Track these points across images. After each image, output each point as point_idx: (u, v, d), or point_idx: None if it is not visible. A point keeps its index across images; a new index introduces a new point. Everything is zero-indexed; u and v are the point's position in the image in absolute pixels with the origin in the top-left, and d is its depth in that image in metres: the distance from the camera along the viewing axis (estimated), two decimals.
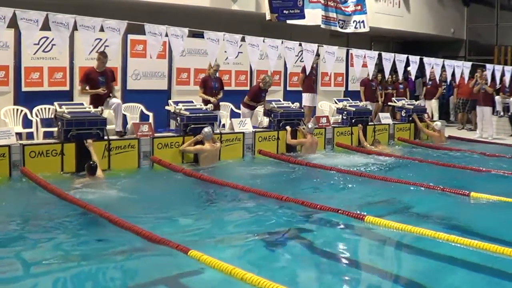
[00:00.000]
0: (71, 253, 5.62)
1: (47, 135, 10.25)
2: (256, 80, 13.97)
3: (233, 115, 12.83)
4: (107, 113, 10.14)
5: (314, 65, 13.86)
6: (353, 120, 13.15)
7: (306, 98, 13.87)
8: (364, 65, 13.58)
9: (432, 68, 14.52)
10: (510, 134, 16.44)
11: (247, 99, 12.15)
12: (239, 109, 12.55)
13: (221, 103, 12.40)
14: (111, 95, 10.38)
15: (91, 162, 8.69)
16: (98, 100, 9.99)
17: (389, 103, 15.63)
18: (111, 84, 10.55)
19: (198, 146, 10.10)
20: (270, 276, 4.70)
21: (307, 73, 13.70)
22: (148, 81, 12.34)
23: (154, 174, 9.59)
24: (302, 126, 11.93)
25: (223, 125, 12.36)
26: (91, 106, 9.78)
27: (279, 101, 12.82)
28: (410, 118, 14.46)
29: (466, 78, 16.90)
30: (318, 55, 13.61)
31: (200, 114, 10.55)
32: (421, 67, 14.73)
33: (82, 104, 9.93)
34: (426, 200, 8.16)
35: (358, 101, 13.88)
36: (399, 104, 14.87)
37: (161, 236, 5.71)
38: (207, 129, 10.16)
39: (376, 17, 17.35)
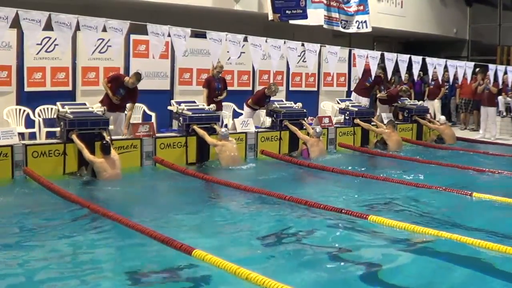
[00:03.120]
0: (73, 252, 5.62)
1: (49, 135, 10.26)
2: (259, 80, 14.01)
3: (236, 115, 12.83)
4: (111, 120, 10.08)
5: (373, 73, 13.94)
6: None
7: (352, 97, 14.32)
8: (367, 65, 13.59)
9: (435, 68, 14.50)
10: None
11: (250, 102, 12.14)
12: (242, 109, 12.54)
13: (223, 103, 12.42)
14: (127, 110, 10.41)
15: (104, 142, 8.75)
16: (109, 105, 9.94)
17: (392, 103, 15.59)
18: (131, 105, 10.39)
19: (215, 140, 10.09)
20: (274, 276, 4.69)
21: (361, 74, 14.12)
22: (150, 81, 12.33)
23: (156, 174, 9.59)
24: (311, 127, 11.84)
25: (226, 125, 12.36)
26: (93, 106, 9.77)
27: (282, 101, 12.81)
28: (413, 119, 14.45)
29: (469, 78, 16.86)
30: (382, 69, 13.98)
31: (203, 114, 10.55)
32: (424, 68, 14.73)
33: (84, 104, 9.93)
34: (428, 200, 8.14)
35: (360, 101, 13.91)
36: (402, 104, 14.85)
37: (165, 235, 5.70)
38: (224, 129, 10.23)
39: (378, 17, 17.35)
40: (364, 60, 13.34)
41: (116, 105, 10.07)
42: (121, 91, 10.06)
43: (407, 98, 15.49)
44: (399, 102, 14.94)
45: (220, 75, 11.78)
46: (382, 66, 14.04)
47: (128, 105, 10.36)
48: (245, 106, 12.27)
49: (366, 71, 13.88)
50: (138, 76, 10.09)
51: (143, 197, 8.15)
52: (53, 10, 8.74)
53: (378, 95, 14.88)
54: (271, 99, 12.16)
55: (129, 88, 10.09)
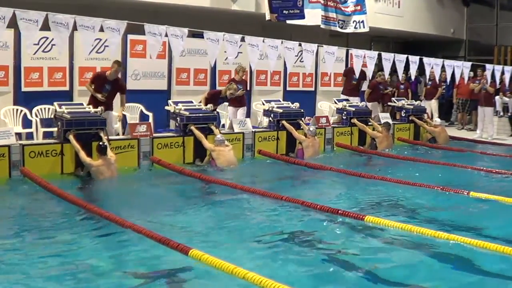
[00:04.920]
0: (70, 252, 5.61)
1: (46, 135, 10.25)
2: (256, 80, 14.05)
3: None
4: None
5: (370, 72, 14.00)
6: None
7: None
8: (364, 65, 13.60)
9: (432, 68, 14.53)
10: (510, 134, 16.45)
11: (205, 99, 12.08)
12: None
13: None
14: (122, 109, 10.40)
15: (101, 143, 8.75)
16: (96, 104, 9.93)
17: (389, 103, 15.63)
18: (122, 96, 10.28)
19: (212, 145, 10.04)
20: (271, 275, 4.70)
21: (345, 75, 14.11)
22: (148, 81, 12.34)
23: (153, 174, 9.58)
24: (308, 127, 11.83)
25: (223, 125, 12.36)
26: (90, 106, 9.77)
27: (279, 101, 12.81)
28: (410, 119, 14.46)
29: (466, 78, 16.92)
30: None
31: (200, 114, 10.54)
32: (421, 68, 14.76)
33: (81, 104, 9.92)
34: (426, 200, 8.14)
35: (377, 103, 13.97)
36: (399, 104, 14.87)
37: (162, 235, 5.70)
38: (219, 136, 10.17)
39: (375, 17, 17.35)
40: (362, 60, 13.35)
41: (102, 103, 10.00)
42: (107, 86, 10.06)
43: (398, 98, 15.59)
44: (395, 101, 14.97)
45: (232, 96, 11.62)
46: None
47: (119, 96, 10.29)
48: (228, 107, 12.38)
49: (350, 71, 13.90)
50: (118, 63, 10.05)
51: (140, 197, 8.15)
52: (50, 10, 8.74)
53: (365, 95, 14.96)
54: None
55: (113, 81, 10.07)
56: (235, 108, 12.27)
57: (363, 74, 14.29)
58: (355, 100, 14.36)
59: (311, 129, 11.57)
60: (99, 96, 9.96)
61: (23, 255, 5.53)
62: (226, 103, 12.82)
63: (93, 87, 10.05)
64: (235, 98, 12.05)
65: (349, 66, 13.59)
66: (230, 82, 11.98)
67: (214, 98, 11.45)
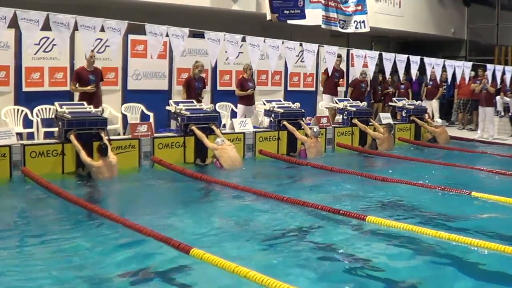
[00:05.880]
0: (71, 252, 5.61)
1: (47, 135, 10.26)
2: (257, 80, 14.03)
3: (233, 115, 12.83)
4: (108, 113, 10.13)
5: (338, 67, 13.98)
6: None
7: (326, 99, 14.17)
8: (365, 65, 13.61)
9: (433, 68, 14.53)
10: (510, 134, 16.44)
11: (237, 92, 12.22)
12: None
13: (221, 103, 12.46)
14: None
15: (101, 144, 8.76)
16: (87, 98, 10.05)
17: (390, 103, 15.63)
18: (99, 84, 10.59)
19: (214, 144, 10.04)
20: (271, 274, 4.69)
21: (329, 74, 13.86)
22: (148, 81, 12.34)
23: (154, 174, 9.58)
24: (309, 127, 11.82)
25: (224, 125, 12.35)
26: (91, 106, 9.78)
27: (280, 101, 12.81)
28: (411, 119, 14.46)
29: (467, 78, 16.91)
30: (340, 56, 13.83)
31: (201, 114, 10.54)
32: (422, 68, 14.76)
33: (82, 104, 9.92)
34: (427, 200, 8.14)
35: (358, 101, 13.95)
36: (400, 104, 14.87)
37: (163, 234, 5.70)
38: (219, 139, 10.14)
39: (376, 17, 17.35)
40: (363, 60, 13.35)
41: (93, 98, 10.11)
42: (91, 77, 10.27)
43: (399, 98, 15.58)
44: (395, 101, 14.96)
45: (200, 74, 11.72)
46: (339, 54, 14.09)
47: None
48: (238, 105, 12.43)
49: (332, 70, 13.93)
50: (91, 53, 10.17)
51: (141, 197, 8.15)
52: (51, 10, 8.74)
53: (348, 95, 14.99)
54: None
55: (93, 71, 10.34)
56: (246, 107, 12.30)
57: (341, 72, 14.32)
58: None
59: (315, 130, 11.56)
60: (88, 88, 10.15)
61: (23, 255, 5.54)
62: (229, 104, 12.87)
63: (77, 86, 10.25)
64: (246, 96, 12.10)
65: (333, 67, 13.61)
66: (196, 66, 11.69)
67: (191, 85, 11.50)
